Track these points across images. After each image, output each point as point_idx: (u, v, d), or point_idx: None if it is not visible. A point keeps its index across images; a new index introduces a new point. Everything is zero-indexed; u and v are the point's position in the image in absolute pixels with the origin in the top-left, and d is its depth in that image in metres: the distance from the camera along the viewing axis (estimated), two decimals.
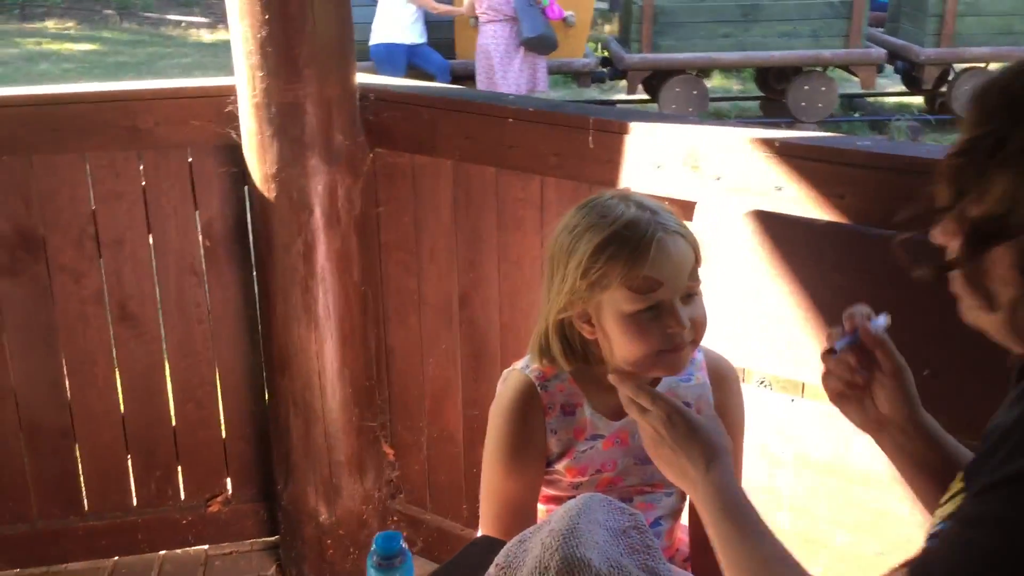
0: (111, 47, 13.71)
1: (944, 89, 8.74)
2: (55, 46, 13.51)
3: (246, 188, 2.29)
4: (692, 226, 1.82)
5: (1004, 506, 0.81)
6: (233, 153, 2.27)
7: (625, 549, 0.91)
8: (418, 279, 2.32)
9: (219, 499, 2.58)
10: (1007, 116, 0.85)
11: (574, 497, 1.35)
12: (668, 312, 1.24)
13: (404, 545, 1.00)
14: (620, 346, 1.27)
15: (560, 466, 1.38)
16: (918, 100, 9.54)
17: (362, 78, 2.24)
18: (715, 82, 10.62)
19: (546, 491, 1.41)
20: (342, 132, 2.16)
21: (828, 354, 1.17)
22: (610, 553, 0.89)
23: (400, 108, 2.20)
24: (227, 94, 2.21)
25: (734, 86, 10.67)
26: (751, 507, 1.09)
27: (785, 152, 1.73)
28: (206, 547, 2.60)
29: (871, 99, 9.73)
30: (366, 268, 2.32)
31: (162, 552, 2.58)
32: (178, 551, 2.59)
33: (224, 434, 2.53)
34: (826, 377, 1.20)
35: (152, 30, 14.78)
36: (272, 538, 2.61)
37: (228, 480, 2.59)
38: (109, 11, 16.24)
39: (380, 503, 2.49)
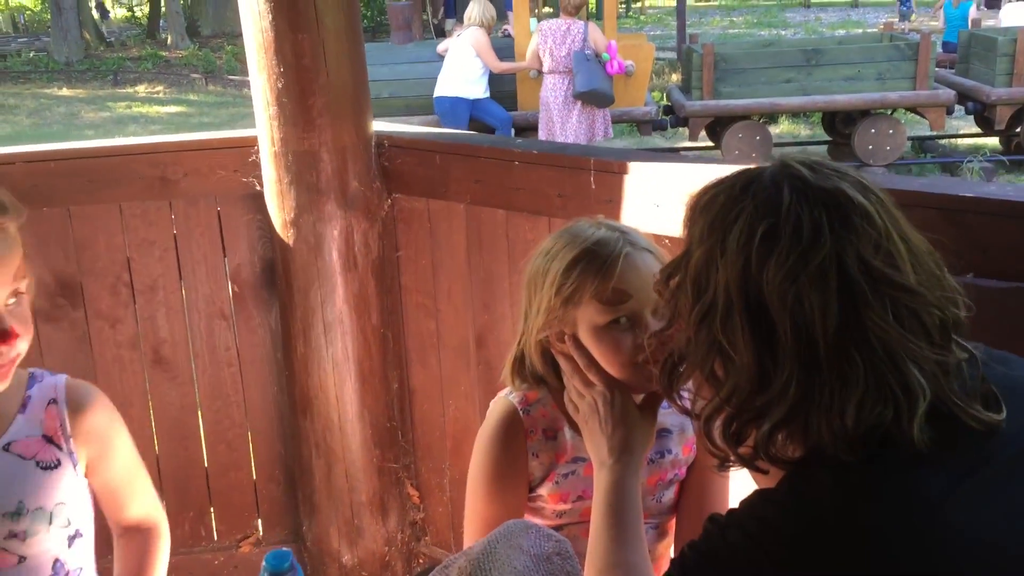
0: (197, 108, 14.32)
1: (1019, 129, 8.51)
2: (144, 109, 14.16)
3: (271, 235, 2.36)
4: None
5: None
6: (258, 201, 2.35)
7: (545, 574, 0.91)
8: (436, 321, 2.36)
9: (250, 540, 2.63)
10: (698, 239, 0.93)
11: (559, 526, 1.36)
12: (640, 324, 1.26)
13: (295, 563, 1.01)
14: (600, 361, 1.29)
15: (543, 491, 1.39)
16: (993, 141, 9.31)
17: (378, 125, 2.31)
18: (783, 127, 10.54)
19: (531, 520, 1.42)
20: (357, 178, 2.22)
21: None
22: None
23: (414, 154, 2.26)
24: (250, 144, 2.30)
25: (802, 131, 10.56)
26: (637, 515, 1.17)
27: None
28: None
29: (945, 141, 9.52)
30: (386, 311, 2.37)
31: None
32: None
33: (255, 476, 2.59)
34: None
35: (235, 91, 15.37)
36: None
37: (259, 521, 2.63)
38: (196, 75, 16.97)
39: (404, 544, 2.51)
